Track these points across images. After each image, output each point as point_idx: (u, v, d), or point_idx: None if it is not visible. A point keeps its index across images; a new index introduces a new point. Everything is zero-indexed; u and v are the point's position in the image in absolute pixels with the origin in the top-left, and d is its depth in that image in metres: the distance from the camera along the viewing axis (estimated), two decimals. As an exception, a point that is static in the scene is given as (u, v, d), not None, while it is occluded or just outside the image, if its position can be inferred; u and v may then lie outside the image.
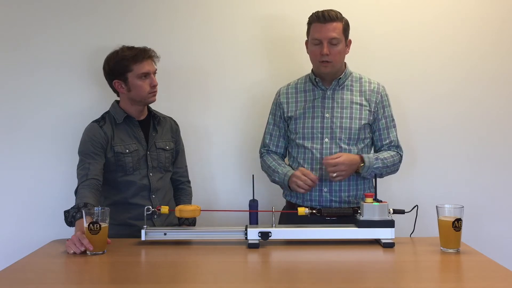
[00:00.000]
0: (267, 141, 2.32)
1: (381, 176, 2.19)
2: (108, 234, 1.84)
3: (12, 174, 2.58)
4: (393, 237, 1.89)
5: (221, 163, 2.66)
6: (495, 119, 2.65)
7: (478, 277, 1.59)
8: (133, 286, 1.54)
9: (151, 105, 2.31)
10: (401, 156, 2.24)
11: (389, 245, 1.87)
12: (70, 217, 1.94)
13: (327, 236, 1.92)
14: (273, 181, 2.27)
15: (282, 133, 2.30)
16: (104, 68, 2.23)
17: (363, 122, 2.17)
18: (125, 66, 2.16)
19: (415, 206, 2.10)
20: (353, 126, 2.16)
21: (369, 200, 1.91)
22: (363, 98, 2.20)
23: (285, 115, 2.27)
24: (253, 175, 2.01)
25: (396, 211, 1.95)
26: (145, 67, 2.17)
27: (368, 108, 2.19)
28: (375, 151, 2.26)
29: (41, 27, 2.56)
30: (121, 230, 2.13)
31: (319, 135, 2.18)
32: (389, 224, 1.89)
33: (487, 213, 2.64)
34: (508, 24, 2.62)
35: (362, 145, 2.20)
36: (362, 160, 2.11)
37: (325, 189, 2.16)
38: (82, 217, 1.86)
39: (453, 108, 2.64)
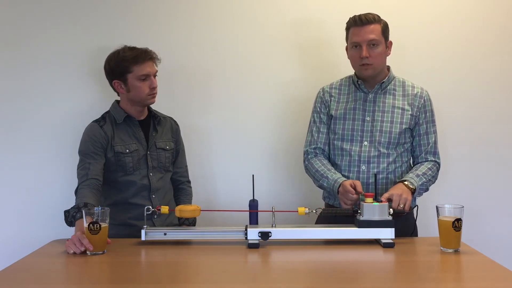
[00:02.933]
0: (316, 138, 2.25)
1: (427, 190, 2.16)
2: (108, 234, 1.85)
3: (12, 174, 2.58)
4: (393, 237, 1.89)
5: (221, 163, 2.66)
6: (495, 119, 2.65)
7: (478, 277, 1.59)
8: (133, 286, 1.54)
9: (151, 105, 2.32)
10: (439, 165, 2.20)
11: (389, 245, 1.87)
12: (70, 217, 1.94)
13: (327, 236, 1.92)
14: (320, 186, 2.21)
15: (328, 131, 2.26)
16: (105, 67, 2.23)
17: (404, 126, 2.15)
18: (125, 67, 2.15)
19: (415, 206, 2.10)
20: (393, 130, 2.15)
21: (369, 200, 1.91)
22: (406, 102, 2.18)
23: (329, 114, 2.25)
24: (253, 175, 2.01)
25: (396, 212, 1.94)
26: (145, 69, 2.16)
27: (410, 112, 2.16)
28: (413, 157, 2.23)
29: (41, 27, 2.56)
30: (121, 230, 2.13)
31: (359, 138, 2.17)
32: (389, 224, 1.89)
33: (487, 213, 2.64)
34: (508, 24, 2.62)
35: (402, 149, 2.17)
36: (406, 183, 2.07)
37: (362, 192, 2.12)
38: (82, 217, 1.86)
39: (453, 108, 2.64)
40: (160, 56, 2.23)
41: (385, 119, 2.16)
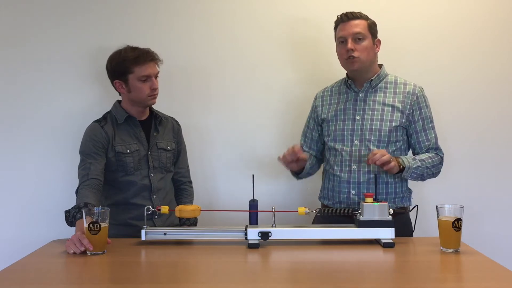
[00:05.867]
0: (302, 142, 2.37)
1: (423, 178, 2.15)
2: (109, 234, 1.85)
3: (13, 174, 2.58)
4: (393, 237, 1.89)
5: (222, 163, 2.66)
6: (495, 118, 2.65)
7: (478, 277, 1.59)
8: (133, 286, 1.54)
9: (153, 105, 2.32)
10: (442, 158, 2.18)
11: (389, 245, 1.87)
12: (71, 217, 1.94)
13: (327, 236, 1.92)
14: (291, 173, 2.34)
15: (316, 137, 2.32)
16: (106, 67, 2.23)
17: (393, 124, 2.14)
18: (127, 67, 2.15)
19: (415, 206, 2.10)
20: (383, 128, 2.14)
21: (369, 200, 1.91)
22: (397, 100, 2.17)
23: (319, 118, 2.29)
24: (253, 175, 2.01)
25: (396, 211, 1.94)
26: (147, 70, 2.16)
27: (401, 110, 2.15)
28: (414, 155, 2.21)
29: (41, 26, 2.56)
30: (121, 230, 2.13)
31: (350, 137, 2.17)
32: (389, 224, 1.89)
33: (487, 213, 2.64)
34: (509, 24, 2.62)
35: (394, 148, 2.16)
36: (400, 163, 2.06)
37: (353, 192, 2.15)
38: (82, 217, 1.86)
39: (453, 108, 2.64)
40: (160, 56, 2.23)
41: (374, 117, 2.16)
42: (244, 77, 2.64)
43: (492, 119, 2.65)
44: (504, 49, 2.63)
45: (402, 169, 2.07)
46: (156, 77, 2.21)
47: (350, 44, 2.11)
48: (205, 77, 2.63)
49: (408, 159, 2.09)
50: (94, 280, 1.60)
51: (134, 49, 2.18)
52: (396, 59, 2.55)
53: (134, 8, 2.59)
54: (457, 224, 1.79)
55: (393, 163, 2.01)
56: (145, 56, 2.16)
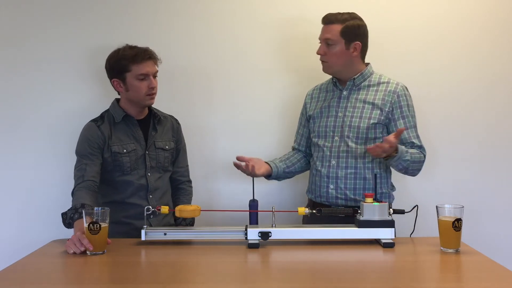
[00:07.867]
0: (295, 138, 2.45)
1: (406, 172, 2.16)
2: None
3: (12, 174, 2.58)
4: (393, 237, 1.89)
5: (222, 163, 2.66)
6: (495, 119, 2.64)
7: (478, 277, 1.59)
8: (133, 286, 1.54)
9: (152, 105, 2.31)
10: (425, 157, 2.19)
11: (389, 245, 1.87)
12: (68, 219, 1.94)
13: (327, 236, 1.92)
14: None
15: (307, 133, 2.38)
16: (105, 65, 2.23)
17: (371, 121, 2.16)
18: (124, 65, 2.15)
19: (415, 206, 2.10)
20: (361, 125, 2.16)
21: (369, 200, 1.91)
22: (377, 97, 2.19)
23: (307, 115, 2.35)
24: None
25: (396, 211, 1.94)
26: (144, 68, 2.15)
27: (380, 107, 2.17)
28: None
29: (40, 26, 2.56)
30: (116, 227, 2.10)
31: (331, 134, 2.22)
32: (389, 224, 1.89)
33: (487, 213, 2.64)
34: (509, 24, 2.62)
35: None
36: (396, 150, 2.07)
37: (331, 186, 2.19)
38: (80, 218, 1.86)
39: (453, 108, 2.63)
40: (160, 56, 2.23)
41: (354, 114, 2.20)
42: (244, 77, 2.64)
43: (492, 119, 2.64)
44: (504, 49, 2.63)
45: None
46: (154, 76, 2.20)
47: (319, 49, 2.20)
48: (205, 77, 2.63)
49: (403, 149, 2.08)
50: (94, 280, 1.60)
51: (133, 47, 2.18)
52: (396, 59, 2.54)
53: (134, 8, 2.59)
54: (457, 224, 1.79)
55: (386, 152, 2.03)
56: (143, 54, 2.16)
